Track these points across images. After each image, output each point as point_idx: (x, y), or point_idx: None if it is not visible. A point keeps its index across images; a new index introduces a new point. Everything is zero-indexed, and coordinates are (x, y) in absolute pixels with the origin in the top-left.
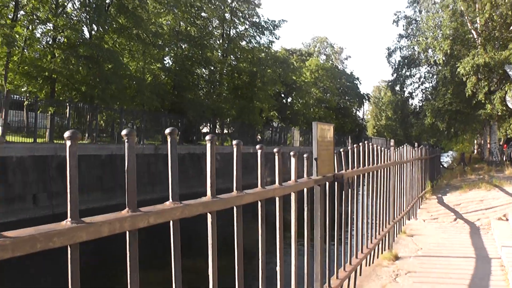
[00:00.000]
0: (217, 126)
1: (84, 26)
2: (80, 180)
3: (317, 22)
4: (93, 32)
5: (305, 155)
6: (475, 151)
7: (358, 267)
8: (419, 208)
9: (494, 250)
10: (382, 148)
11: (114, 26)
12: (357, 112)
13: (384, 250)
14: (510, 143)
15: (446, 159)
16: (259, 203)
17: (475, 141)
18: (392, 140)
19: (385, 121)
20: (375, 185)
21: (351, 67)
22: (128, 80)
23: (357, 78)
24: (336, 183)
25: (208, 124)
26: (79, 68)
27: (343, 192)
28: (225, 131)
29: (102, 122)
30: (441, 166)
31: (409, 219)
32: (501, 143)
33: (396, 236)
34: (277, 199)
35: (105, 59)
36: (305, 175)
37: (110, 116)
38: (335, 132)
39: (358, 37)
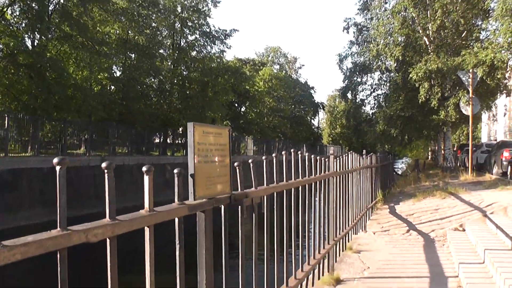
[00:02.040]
0: (169, 136)
1: (25, 33)
2: (19, 195)
3: (270, 31)
4: (35, 41)
5: (175, 171)
6: (429, 157)
7: None
8: (369, 219)
9: (451, 267)
10: (318, 158)
11: (58, 34)
12: (312, 121)
13: (325, 273)
14: (464, 149)
15: (401, 165)
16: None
17: (429, 148)
18: (332, 148)
19: (340, 129)
20: (306, 201)
21: (305, 76)
22: (73, 90)
23: (312, 87)
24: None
25: (160, 135)
26: (19, 78)
27: (252, 217)
28: (177, 141)
29: (49, 134)
30: (394, 173)
31: (356, 233)
32: (455, 149)
33: (340, 255)
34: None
35: (47, 68)
36: (175, 199)
37: (55, 127)
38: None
39: (312, 46)
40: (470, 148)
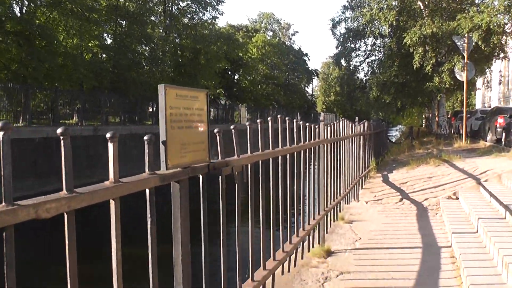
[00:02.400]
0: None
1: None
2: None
3: None
4: (24, 8)
5: (145, 138)
6: (424, 124)
7: (269, 280)
8: (361, 188)
9: (444, 237)
10: (307, 125)
11: (47, 0)
12: (306, 88)
13: (315, 244)
14: (458, 115)
15: (395, 133)
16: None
17: (423, 115)
18: (322, 114)
19: (334, 96)
20: (295, 170)
21: (299, 43)
22: (63, 58)
23: (306, 54)
24: (220, 176)
25: (153, 103)
26: (8, 45)
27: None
28: None
29: (41, 104)
30: (388, 141)
31: (349, 203)
32: (449, 116)
33: (331, 225)
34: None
35: (36, 36)
36: (146, 168)
37: (46, 96)
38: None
39: (306, 12)
40: (464, 114)
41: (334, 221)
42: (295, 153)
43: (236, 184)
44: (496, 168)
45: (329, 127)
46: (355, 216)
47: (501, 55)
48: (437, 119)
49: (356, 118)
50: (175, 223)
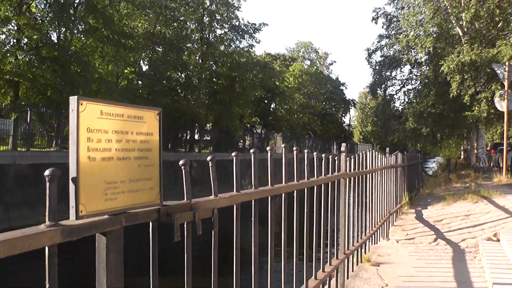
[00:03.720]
0: (196, 132)
1: (49, 26)
2: (40, 191)
3: (301, 26)
4: (60, 34)
5: (46, 173)
6: (462, 157)
7: None
8: (392, 225)
9: (484, 287)
10: (323, 156)
11: (83, 27)
12: (343, 118)
13: None
14: (498, 148)
15: (432, 165)
16: None
17: (462, 147)
18: (343, 144)
19: (371, 127)
20: (306, 209)
21: (336, 72)
22: (98, 84)
23: (343, 84)
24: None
25: (187, 131)
26: (43, 71)
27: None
28: (204, 137)
29: None
30: (424, 174)
31: (377, 242)
32: (488, 149)
33: (354, 268)
34: None
35: (71, 62)
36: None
37: None
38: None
39: (344, 42)
40: (504, 147)
41: (358, 263)
42: (305, 189)
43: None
44: None
45: (352, 159)
46: (383, 258)
47: None
48: (475, 151)
49: (387, 149)
50: None
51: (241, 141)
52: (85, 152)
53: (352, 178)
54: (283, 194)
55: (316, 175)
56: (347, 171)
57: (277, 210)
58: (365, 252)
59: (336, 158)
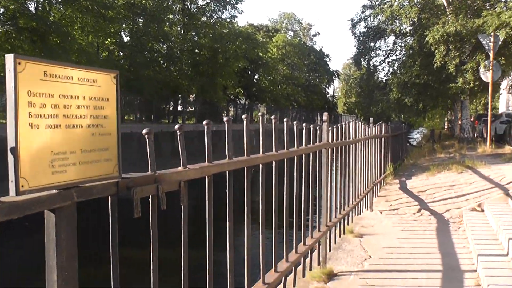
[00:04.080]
0: (179, 103)
1: None
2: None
3: None
4: (39, 5)
5: None
6: (446, 127)
7: None
8: (376, 196)
9: (468, 258)
10: (303, 125)
11: None
12: (327, 89)
13: (316, 265)
14: (482, 119)
15: (416, 136)
16: None
17: (446, 118)
18: (326, 114)
19: (355, 98)
20: (286, 180)
21: (320, 44)
22: (78, 55)
23: (327, 55)
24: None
25: (170, 102)
26: (21, 42)
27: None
28: (188, 108)
29: None
30: (408, 144)
31: (360, 213)
32: (472, 119)
33: (338, 239)
34: None
35: (50, 32)
36: None
37: None
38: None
39: (328, 13)
40: (489, 118)
41: (341, 235)
42: (285, 160)
43: (160, 206)
44: None
45: (334, 129)
46: (367, 229)
47: None
48: (460, 122)
49: (371, 120)
50: (49, 271)
51: (225, 112)
52: (25, 119)
53: (334, 149)
54: (260, 165)
55: (296, 145)
56: (329, 141)
57: (257, 182)
58: (348, 224)
59: (317, 128)
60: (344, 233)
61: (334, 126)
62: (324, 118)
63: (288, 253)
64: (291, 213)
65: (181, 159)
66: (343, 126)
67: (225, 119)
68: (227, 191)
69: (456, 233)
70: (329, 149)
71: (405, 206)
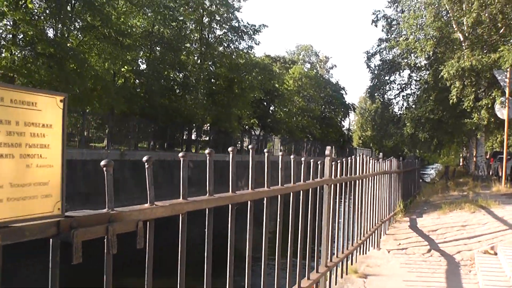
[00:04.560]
0: (193, 133)
1: (45, 22)
2: None
3: (302, 29)
4: (57, 31)
5: None
6: (460, 164)
7: None
8: (384, 234)
9: None
10: (302, 160)
11: (81, 24)
12: (342, 122)
13: None
14: (498, 156)
15: (430, 172)
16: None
17: (461, 154)
18: (328, 148)
19: (371, 132)
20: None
21: (336, 76)
22: (93, 81)
23: (343, 88)
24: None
25: (184, 131)
26: (38, 67)
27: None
28: (202, 138)
29: (70, 127)
30: (421, 180)
31: (365, 252)
32: (487, 157)
33: (340, 279)
34: None
35: (67, 59)
36: None
37: (75, 119)
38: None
39: (345, 47)
40: (504, 155)
41: (343, 275)
42: (279, 196)
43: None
44: None
45: (338, 164)
46: (372, 269)
47: None
48: (474, 159)
49: (381, 155)
50: None
51: (239, 142)
52: None
53: (338, 185)
54: (248, 202)
55: (293, 181)
56: (332, 176)
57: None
58: (351, 263)
59: (319, 162)
60: (347, 273)
61: (339, 161)
62: (327, 152)
63: None
64: (284, 255)
65: (148, 196)
66: (349, 161)
67: (206, 151)
68: (206, 230)
69: (467, 277)
70: (331, 185)
71: (414, 245)
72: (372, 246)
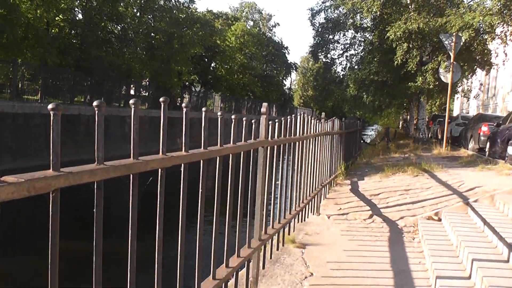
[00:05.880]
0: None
1: None
2: None
3: None
4: None
5: None
6: (401, 126)
7: None
8: (324, 198)
9: (424, 278)
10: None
11: None
12: (284, 82)
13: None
14: (437, 120)
15: (371, 133)
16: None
17: (401, 116)
18: (265, 105)
19: (312, 92)
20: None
21: (280, 35)
22: (25, 29)
23: (286, 47)
24: None
25: (122, 86)
26: None
27: None
28: (141, 93)
29: (2, 76)
30: (362, 142)
31: (304, 219)
32: (427, 120)
33: (278, 250)
34: None
35: None
36: None
37: (3, 69)
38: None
39: (289, 5)
40: (446, 119)
41: (280, 246)
42: (201, 161)
43: None
44: (486, 185)
45: (276, 125)
46: (311, 237)
47: (485, 66)
48: (415, 121)
49: (323, 115)
50: None
51: (179, 98)
52: None
53: (275, 147)
54: (159, 170)
55: (220, 143)
56: (268, 138)
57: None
58: (289, 233)
59: (253, 121)
60: (283, 244)
61: (277, 121)
62: (263, 109)
63: (199, 282)
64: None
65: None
66: (288, 120)
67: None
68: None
69: (411, 245)
70: (268, 147)
71: (355, 211)
72: (311, 212)
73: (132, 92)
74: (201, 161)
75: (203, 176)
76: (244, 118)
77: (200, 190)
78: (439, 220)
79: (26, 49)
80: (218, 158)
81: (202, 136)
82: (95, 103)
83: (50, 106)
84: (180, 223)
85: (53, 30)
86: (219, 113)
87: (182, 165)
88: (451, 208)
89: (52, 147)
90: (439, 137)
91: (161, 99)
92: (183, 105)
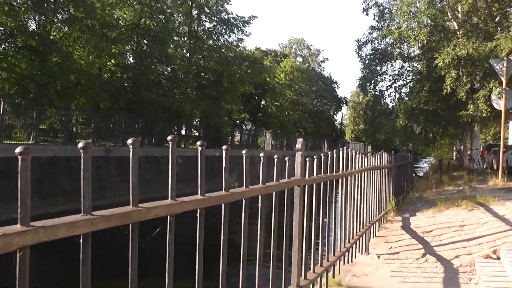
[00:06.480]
0: (182, 128)
1: (25, 13)
2: (12, 185)
3: (295, 22)
4: (40, 23)
5: None
6: (454, 157)
7: None
8: (374, 237)
9: None
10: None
11: (62, 15)
12: (335, 116)
13: None
14: (492, 149)
15: (423, 165)
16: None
17: (454, 147)
18: (300, 140)
19: (363, 125)
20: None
21: (329, 70)
22: (77, 75)
23: (335, 82)
24: None
25: (172, 126)
26: (18, 61)
27: None
28: (192, 133)
29: (58, 122)
30: (414, 175)
31: (351, 260)
32: (481, 150)
33: None
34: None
35: (49, 52)
36: None
37: (59, 115)
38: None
39: (338, 40)
40: (501, 148)
41: (326, 287)
42: (222, 205)
43: None
44: None
45: (314, 161)
46: (359, 279)
47: None
48: (469, 152)
49: (369, 148)
50: None
51: (230, 137)
52: None
53: (314, 185)
54: (168, 218)
55: (245, 184)
56: (304, 176)
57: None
58: (333, 276)
59: (287, 159)
60: (328, 286)
61: (315, 157)
62: (298, 145)
63: None
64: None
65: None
66: (328, 156)
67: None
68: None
69: (467, 287)
70: (304, 186)
71: (407, 249)
72: (359, 251)
73: (183, 132)
74: (222, 204)
75: (224, 222)
76: (286, 158)
77: (222, 237)
78: (498, 258)
79: (80, 94)
80: (244, 200)
81: (223, 177)
82: (80, 145)
83: (17, 150)
84: (197, 271)
85: (105, 75)
86: (244, 151)
87: (198, 210)
88: (511, 245)
89: (20, 196)
90: (495, 167)
91: (169, 138)
92: (198, 143)
